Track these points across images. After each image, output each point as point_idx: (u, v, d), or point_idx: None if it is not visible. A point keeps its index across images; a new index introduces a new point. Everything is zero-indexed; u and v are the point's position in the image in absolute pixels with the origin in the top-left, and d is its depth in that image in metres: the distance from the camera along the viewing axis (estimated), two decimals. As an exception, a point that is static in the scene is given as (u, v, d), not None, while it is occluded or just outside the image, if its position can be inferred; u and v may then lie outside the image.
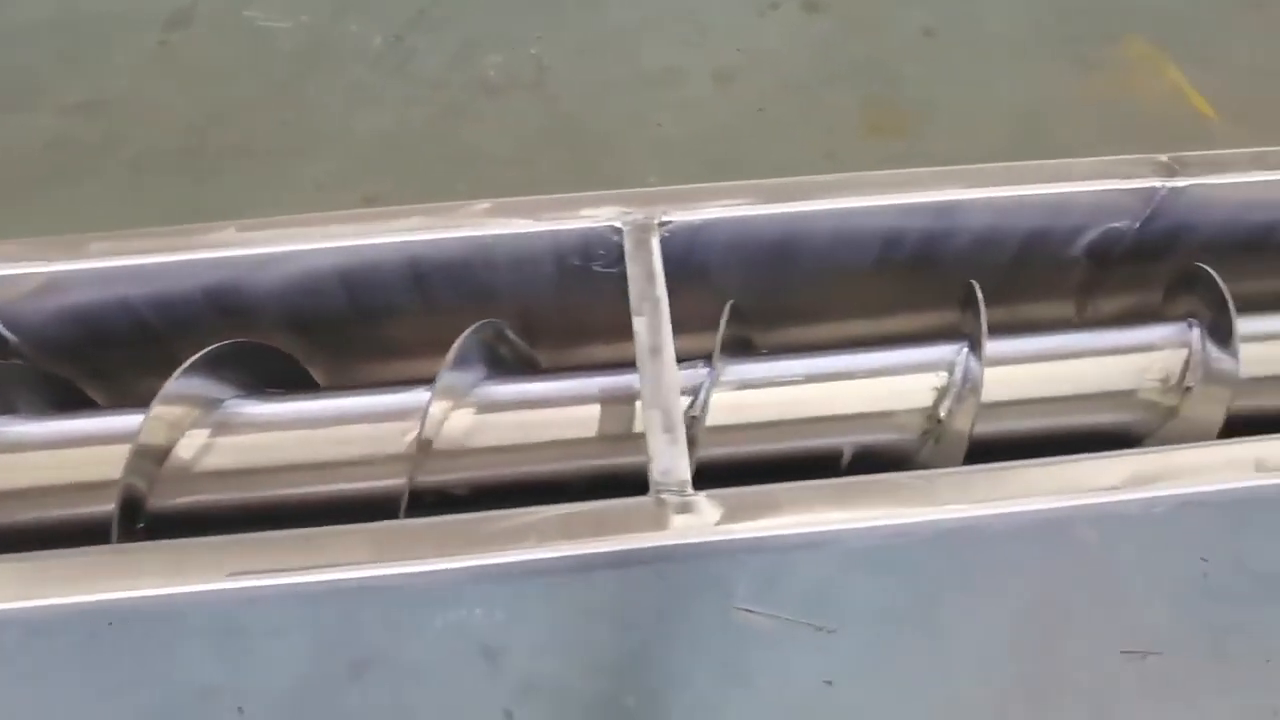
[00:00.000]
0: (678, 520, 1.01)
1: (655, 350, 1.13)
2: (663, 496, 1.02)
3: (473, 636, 1.52)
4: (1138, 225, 1.37)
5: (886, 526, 1.03)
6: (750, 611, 1.58)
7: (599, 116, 2.21)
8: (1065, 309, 1.56)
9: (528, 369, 1.40)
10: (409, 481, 1.16)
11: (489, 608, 1.55)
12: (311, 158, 2.13)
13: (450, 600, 1.54)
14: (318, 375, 1.43)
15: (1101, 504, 1.06)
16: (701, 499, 1.02)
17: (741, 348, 1.35)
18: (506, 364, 1.35)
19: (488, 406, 1.26)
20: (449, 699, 1.48)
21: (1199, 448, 1.10)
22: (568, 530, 1.00)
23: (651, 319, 1.15)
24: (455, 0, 2.45)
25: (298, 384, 1.37)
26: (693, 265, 1.33)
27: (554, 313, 1.42)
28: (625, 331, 1.16)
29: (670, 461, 1.05)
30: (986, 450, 1.17)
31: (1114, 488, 1.05)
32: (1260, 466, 1.07)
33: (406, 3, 2.44)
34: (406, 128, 2.18)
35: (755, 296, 1.39)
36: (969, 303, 1.28)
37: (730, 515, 1.01)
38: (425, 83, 2.28)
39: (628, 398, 1.25)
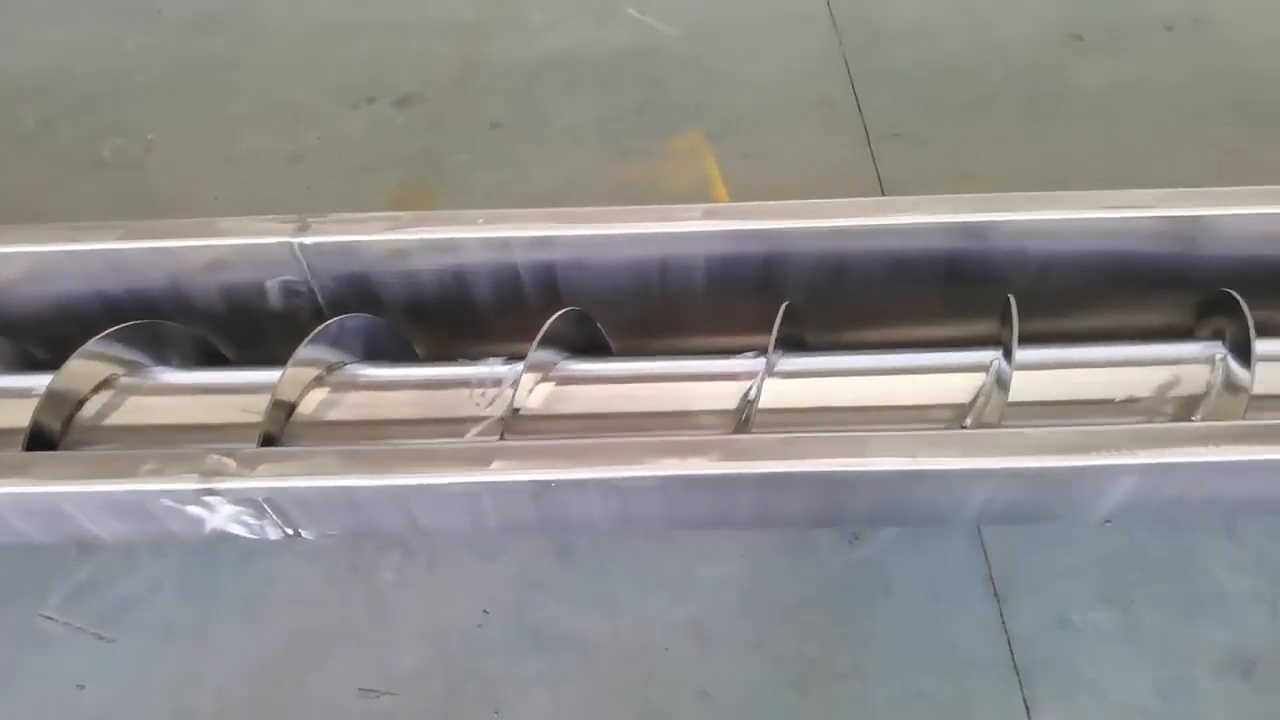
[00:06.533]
0: None
1: None
2: None
3: None
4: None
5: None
6: (50, 619, 1.75)
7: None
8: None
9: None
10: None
11: None
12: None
13: None
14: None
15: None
16: None
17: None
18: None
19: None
20: None
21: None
22: None
23: None
24: (112, 93, 2.85)
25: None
26: None
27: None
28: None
29: None
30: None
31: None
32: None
33: (77, 91, 2.85)
34: (7, 194, 2.54)
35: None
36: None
37: None
38: (50, 160, 2.65)
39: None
